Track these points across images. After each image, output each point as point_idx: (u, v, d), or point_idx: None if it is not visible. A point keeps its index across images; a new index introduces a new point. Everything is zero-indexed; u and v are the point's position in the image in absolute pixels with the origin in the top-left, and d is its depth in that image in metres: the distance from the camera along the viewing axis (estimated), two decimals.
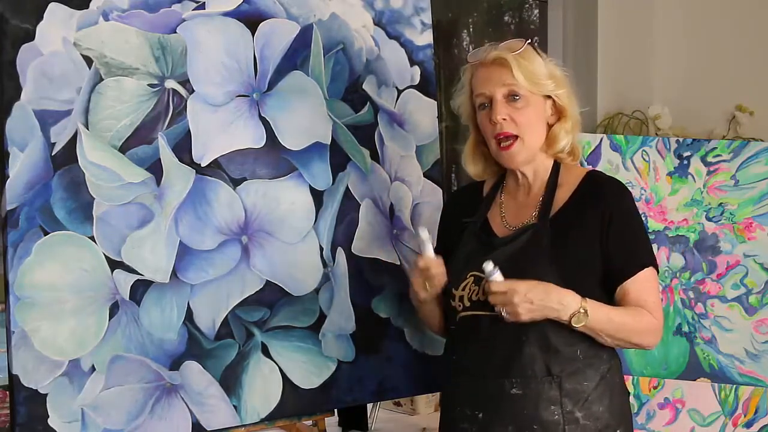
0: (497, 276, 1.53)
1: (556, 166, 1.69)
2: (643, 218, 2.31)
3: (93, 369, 1.63)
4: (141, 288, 1.68)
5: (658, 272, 1.64)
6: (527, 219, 1.66)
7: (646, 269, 1.60)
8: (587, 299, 1.54)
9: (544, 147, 1.68)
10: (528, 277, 1.54)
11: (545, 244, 1.59)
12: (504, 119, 1.61)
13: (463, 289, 1.63)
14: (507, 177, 1.74)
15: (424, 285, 1.67)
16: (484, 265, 1.53)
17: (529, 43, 1.64)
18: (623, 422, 1.63)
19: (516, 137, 1.63)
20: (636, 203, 1.67)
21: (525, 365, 1.56)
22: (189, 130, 1.74)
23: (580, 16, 3.00)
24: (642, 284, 1.59)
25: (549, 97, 1.65)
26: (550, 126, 1.67)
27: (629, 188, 1.67)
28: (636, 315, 1.58)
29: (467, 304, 1.62)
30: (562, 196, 1.65)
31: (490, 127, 1.63)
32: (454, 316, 1.66)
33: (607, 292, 1.60)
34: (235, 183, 1.79)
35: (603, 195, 1.62)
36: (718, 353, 2.32)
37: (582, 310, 1.52)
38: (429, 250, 1.65)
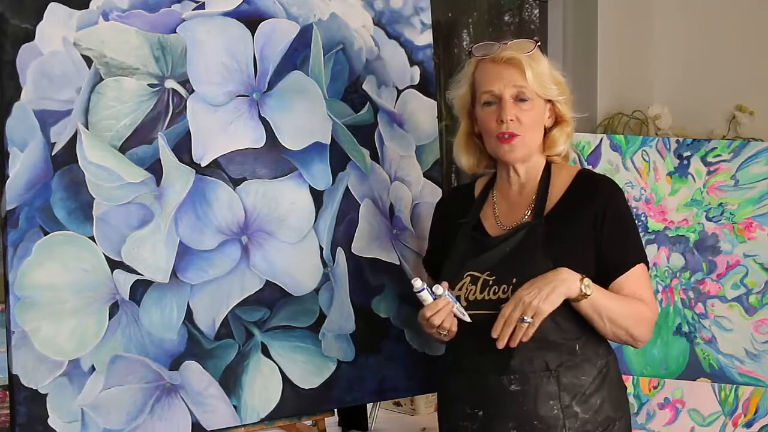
0: (428, 294, 1.57)
1: (548, 166, 1.71)
2: (643, 218, 2.31)
3: (93, 369, 1.63)
4: (141, 288, 1.68)
5: (649, 268, 1.66)
6: (520, 218, 1.67)
7: (638, 265, 1.62)
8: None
9: (540, 148, 1.70)
10: (525, 274, 1.55)
11: (540, 242, 1.60)
12: (511, 120, 1.62)
13: (460, 289, 1.63)
14: (498, 177, 1.75)
15: (439, 333, 1.63)
16: (413, 281, 1.56)
17: (537, 45, 1.65)
18: (623, 415, 1.64)
19: (518, 136, 1.64)
20: (627, 200, 1.69)
21: (523, 361, 1.57)
22: (189, 130, 1.74)
23: (580, 16, 2.99)
24: (636, 280, 1.61)
25: (549, 101, 1.67)
26: (546, 129, 1.70)
27: (629, 188, 1.68)
28: (634, 303, 1.60)
29: (464, 303, 1.63)
30: (555, 194, 1.67)
31: (495, 125, 1.64)
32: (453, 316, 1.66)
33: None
34: (235, 183, 1.79)
35: (596, 193, 1.64)
36: (718, 353, 2.32)
37: (581, 277, 1.53)
38: (428, 297, 1.59)
